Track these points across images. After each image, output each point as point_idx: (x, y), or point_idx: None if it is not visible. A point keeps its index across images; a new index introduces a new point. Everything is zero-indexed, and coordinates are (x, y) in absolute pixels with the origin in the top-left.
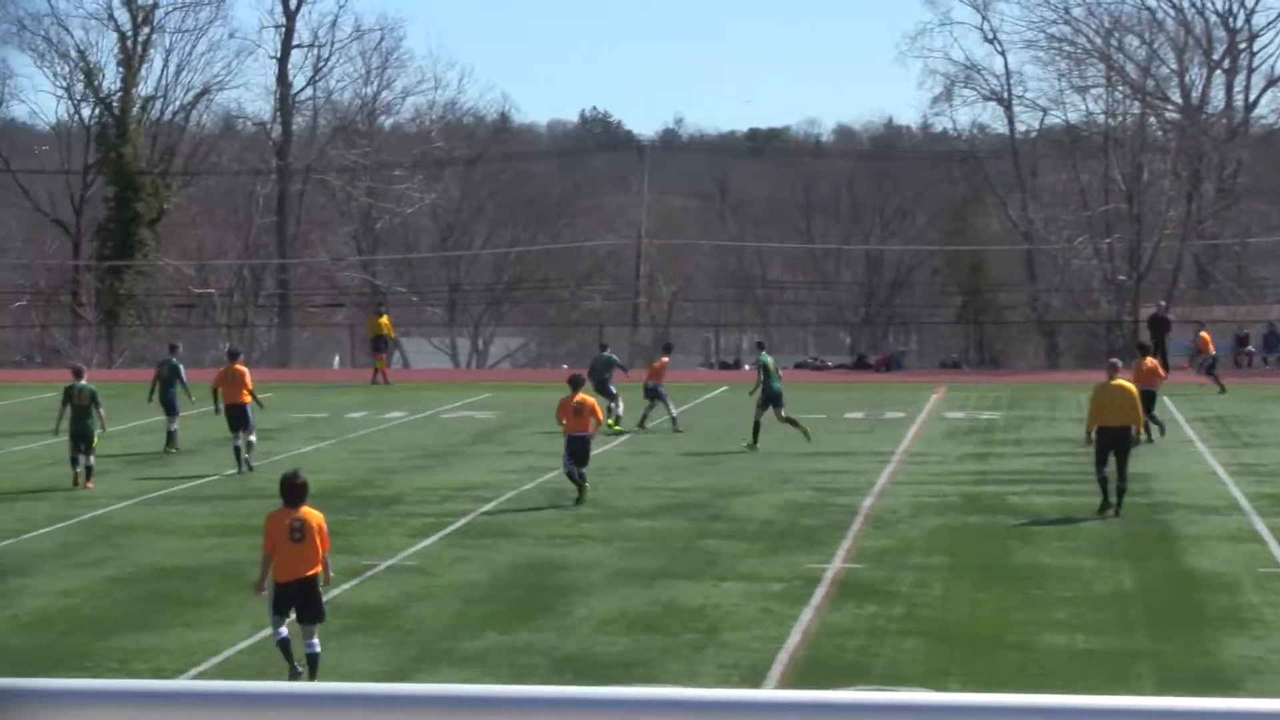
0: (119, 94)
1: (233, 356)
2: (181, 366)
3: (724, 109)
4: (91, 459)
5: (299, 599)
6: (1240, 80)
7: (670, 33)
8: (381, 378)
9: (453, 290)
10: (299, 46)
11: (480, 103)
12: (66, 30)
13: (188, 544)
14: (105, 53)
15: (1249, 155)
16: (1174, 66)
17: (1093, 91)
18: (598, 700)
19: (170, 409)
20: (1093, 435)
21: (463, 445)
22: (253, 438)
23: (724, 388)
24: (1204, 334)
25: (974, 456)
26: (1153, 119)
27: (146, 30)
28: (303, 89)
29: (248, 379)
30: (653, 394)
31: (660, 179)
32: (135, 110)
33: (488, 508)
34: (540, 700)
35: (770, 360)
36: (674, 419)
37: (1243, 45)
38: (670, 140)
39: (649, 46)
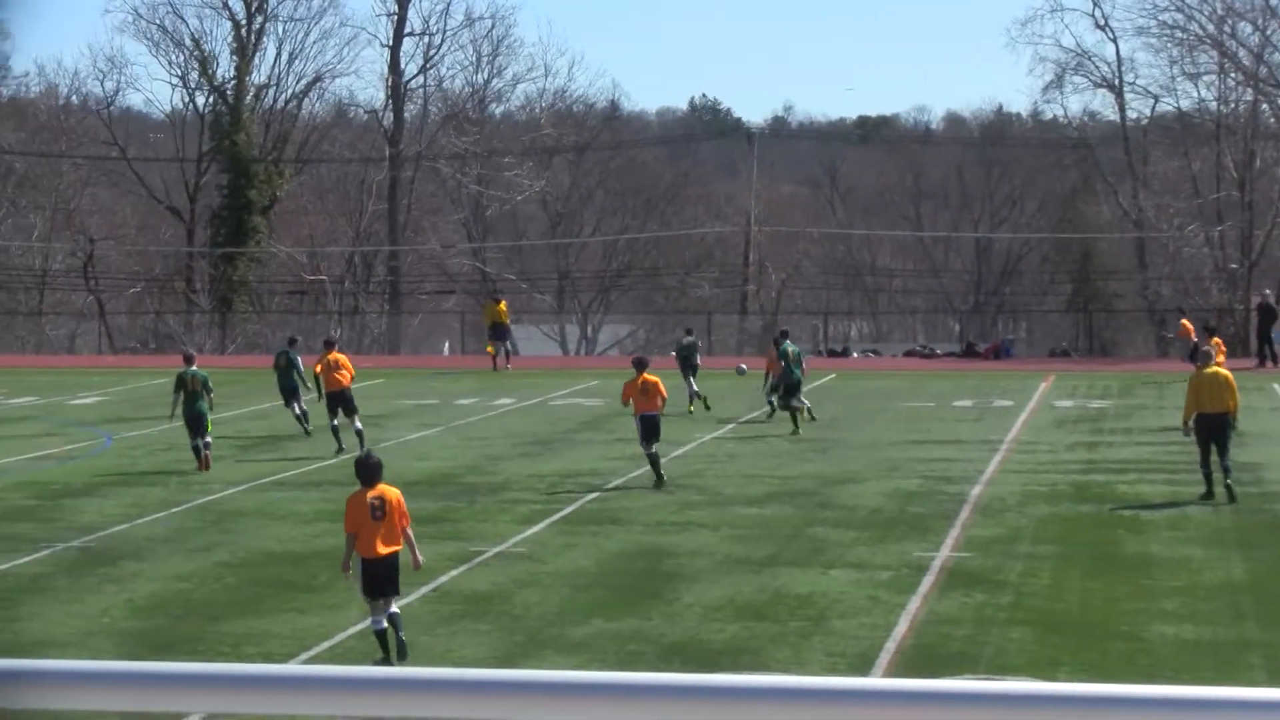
0: (233, 82)
1: (329, 345)
2: (299, 359)
3: (833, 96)
4: (208, 440)
5: (385, 574)
6: None
7: (780, 19)
8: (504, 363)
9: (562, 277)
10: (411, 34)
11: (590, 90)
12: (182, 19)
13: (298, 529)
14: (219, 41)
15: None
16: None
17: (1205, 78)
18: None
19: (291, 395)
20: (1191, 424)
21: (571, 432)
22: (359, 424)
23: (832, 375)
24: (1185, 321)
25: (1083, 445)
26: (1265, 106)
27: (260, 18)
28: (414, 77)
29: (348, 365)
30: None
31: (769, 166)
32: (249, 98)
33: (595, 494)
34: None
35: (792, 349)
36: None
37: None
38: (779, 127)
39: (759, 33)
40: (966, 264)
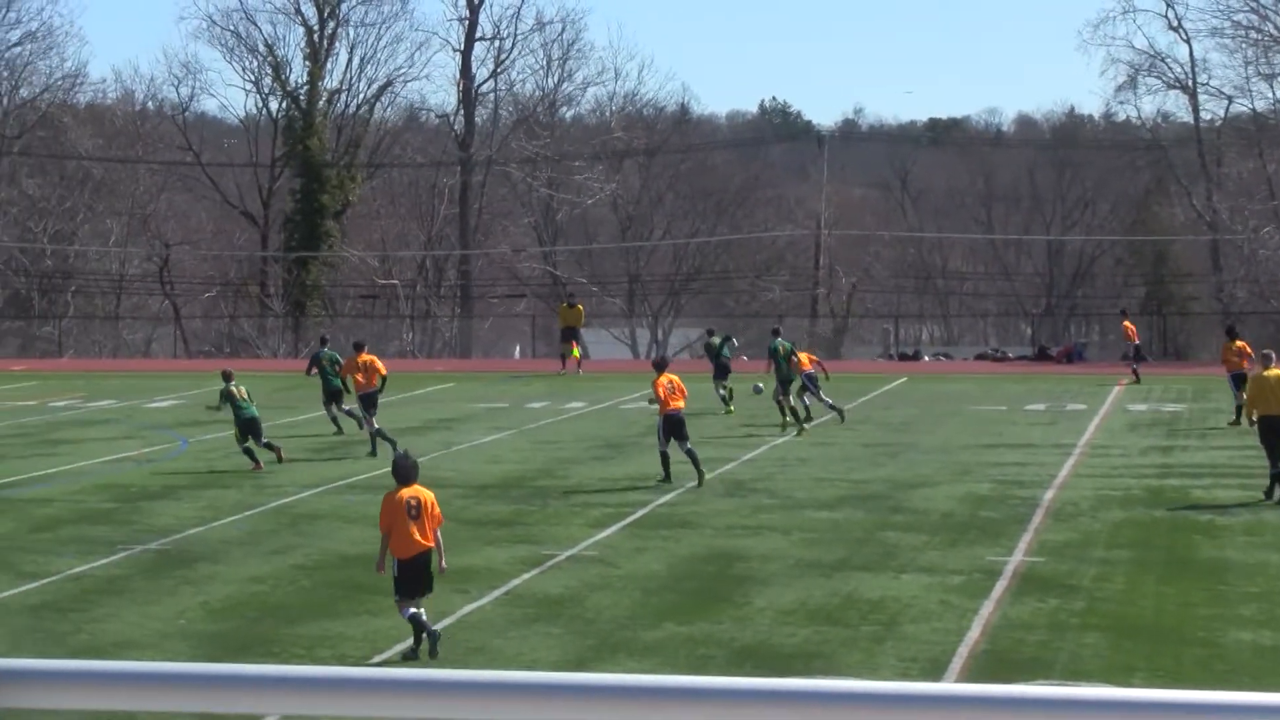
0: (305, 87)
1: (358, 348)
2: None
3: (903, 98)
4: (264, 442)
5: (419, 573)
6: None
7: (850, 22)
8: (574, 367)
9: (632, 281)
10: (482, 39)
11: (660, 94)
12: (255, 25)
13: (370, 532)
14: (292, 47)
15: None
16: None
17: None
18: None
19: (337, 397)
20: (1254, 420)
21: (642, 436)
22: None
23: (903, 379)
24: (1127, 323)
25: (1157, 449)
26: None
27: (332, 24)
28: (485, 81)
29: (380, 366)
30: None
31: (839, 169)
32: (321, 103)
33: (667, 498)
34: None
35: (780, 346)
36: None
37: None
38: (850, 130)
39: (829, 36)
40: (1038, 267)
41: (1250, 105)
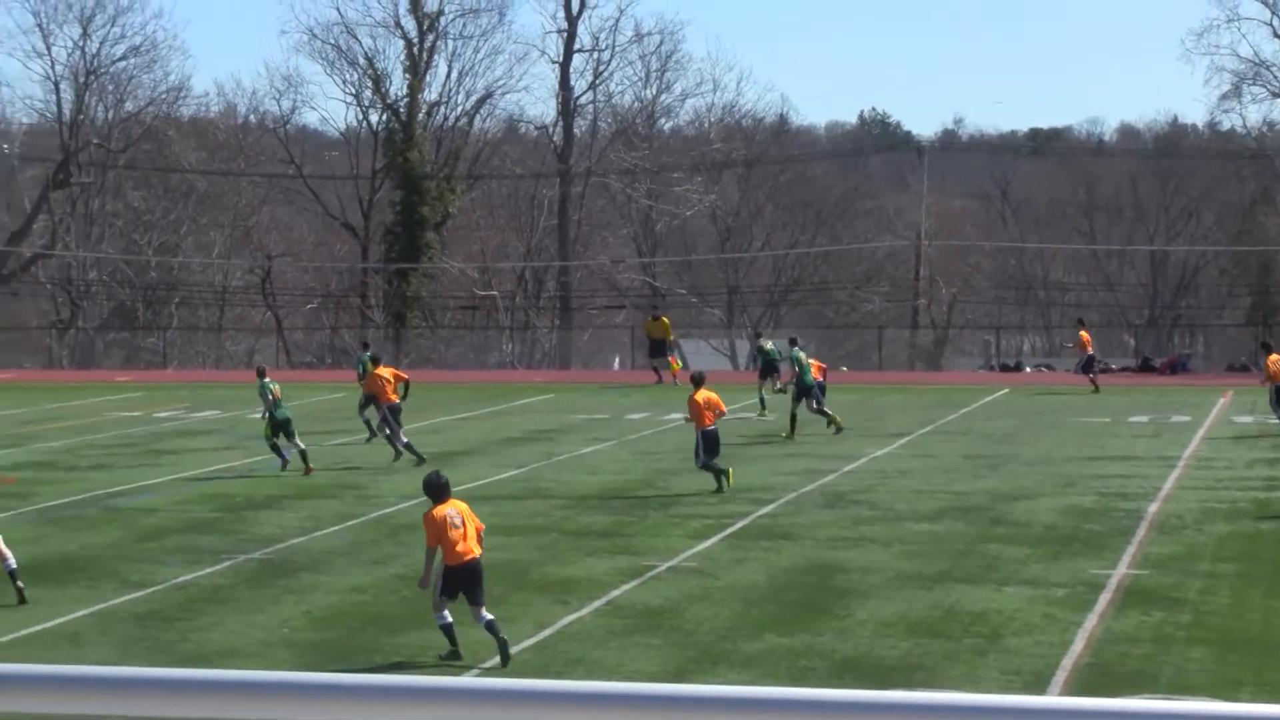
0: (405, 100)
1: (376, 361)
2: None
3: (1004, 108)
4: (300, 444)
5: (468, 581)
6: None
7: (950, 32)
8: (670, 378)
9: (731, 292)
10: (580, 51)
11: (759, 104)
12: (355, 38)
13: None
14: (392, 60)
15: None
16: None
17: None
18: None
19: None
20: None
21: (741, 447)
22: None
23: (1005, 390)
24: (1083, 333)
25: (1264, 462)
26: None
27: (432, 37)
28: (584, 93)
29: (401, 375)
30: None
31: (939, 179)
32: (421, 115)
33: (767, 510)
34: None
35: (802, 355)
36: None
37: None
38: (950, 140)
39: (928, 46)
40: (1141, 277)
41: None
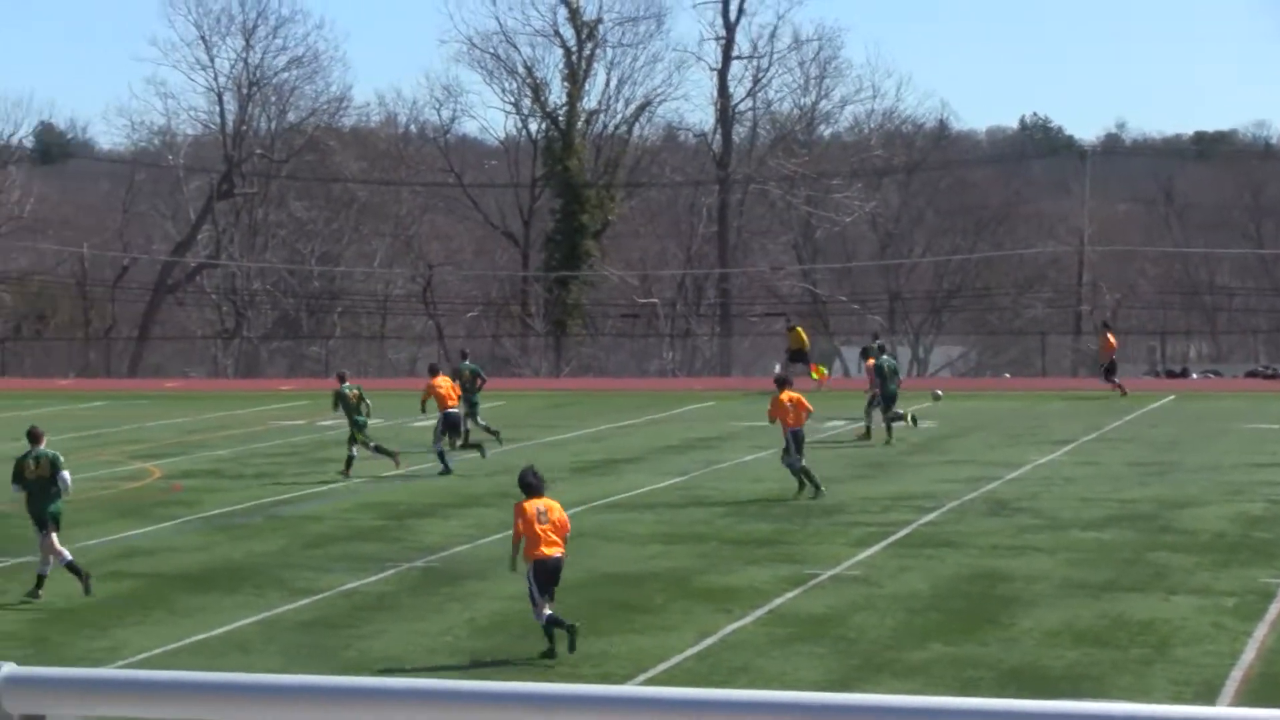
0: (564, 108)
1: (433, 371)
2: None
3: (1168, 112)
4: (354, 450)
5: (554, 574)
6: None
7: (1112, 35)
8: (815, 385)
9: (892, 299)
10: (739, 58)
11: (918, 110)
12: (515, 48)
13: (633, 550)
14: (551, 68)
15: None
16: None
17: None
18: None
19: (474, 411)
20: None
21: (904, 455)
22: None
23: (1171, 396)
24: (1109, 335)
25: None
26: None
27: (590, 45)
28: (742, 100)
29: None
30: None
31: (1102, 184)
32: (580, 123)
33: (930, 517)
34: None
35: (889, 363)
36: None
37: None
38: (1113, 145)
39: (1090, 50)
40: None
41: None
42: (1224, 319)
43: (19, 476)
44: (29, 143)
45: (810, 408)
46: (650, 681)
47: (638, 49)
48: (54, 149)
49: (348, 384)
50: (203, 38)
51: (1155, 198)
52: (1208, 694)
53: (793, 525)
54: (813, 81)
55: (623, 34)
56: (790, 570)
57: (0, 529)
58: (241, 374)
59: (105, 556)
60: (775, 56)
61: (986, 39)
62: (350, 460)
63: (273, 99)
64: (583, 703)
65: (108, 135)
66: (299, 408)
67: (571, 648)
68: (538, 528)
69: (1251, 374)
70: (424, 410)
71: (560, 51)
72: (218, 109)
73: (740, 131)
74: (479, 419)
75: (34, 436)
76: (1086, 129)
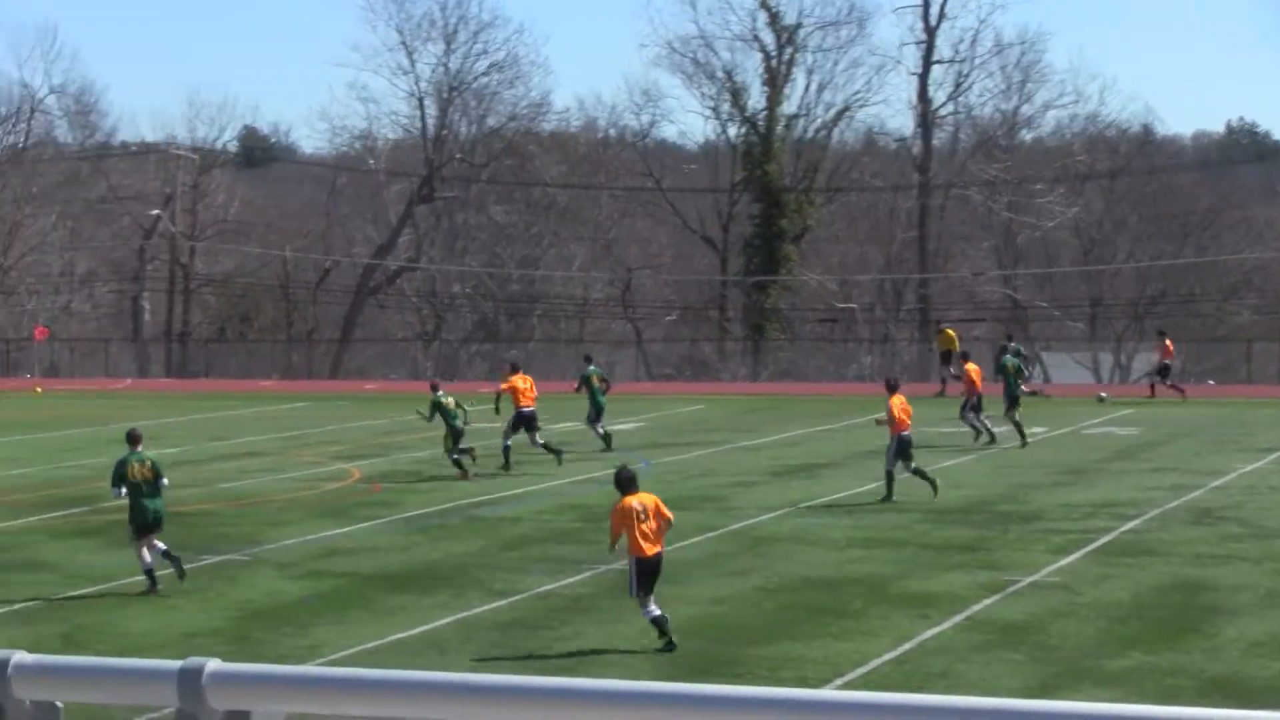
0: (763, 113)
1: (515, 368)
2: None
3: None
4: (455, 454)
5: (653, 571)
6: None
7: None
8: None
9: (1094, 304)
10: (939, 62)
11: (1122, 115)
12: (714, 52)
13: (831, 555)
14: (750, 73)
15: None
16: None
17: None
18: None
19: (599, 414)
20: None
21: (1105, 461)
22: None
23: None
24: (1168, 342)
25: None
26: None
27: (790, 50)
28: (943, 104)
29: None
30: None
31: None
32: (779, 128)
33: (1131, 525)
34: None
35: (1013, 363)
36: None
37: None
38: None
39: None
40: None
41: None
42: None
43: (122, 479)
44: (233, 147)
45: (911, 412)
46: (847, 686)
47: (838, 53)
48: (257, 153)
49: (442, 392)
50: (404, 43)
51: None
52: None
53: (992, 531)
54: (1015, 86)
55: (823, 38)
56: (989, 576)
57: (204, 527)
58: (441, 376)
59: (306, 556)
60: (977, 61)
61: (1192, 44)
62: (459, 462)
63: (473, 104)
64: (778, 706)
65: (310, 139)
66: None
67: (668, 647)
68: (638, 526)
69: None
70: (498, 411)
71: (760, 56)
72: (418, 113)
73: (941, 136)
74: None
75: (134, 439)
76: None
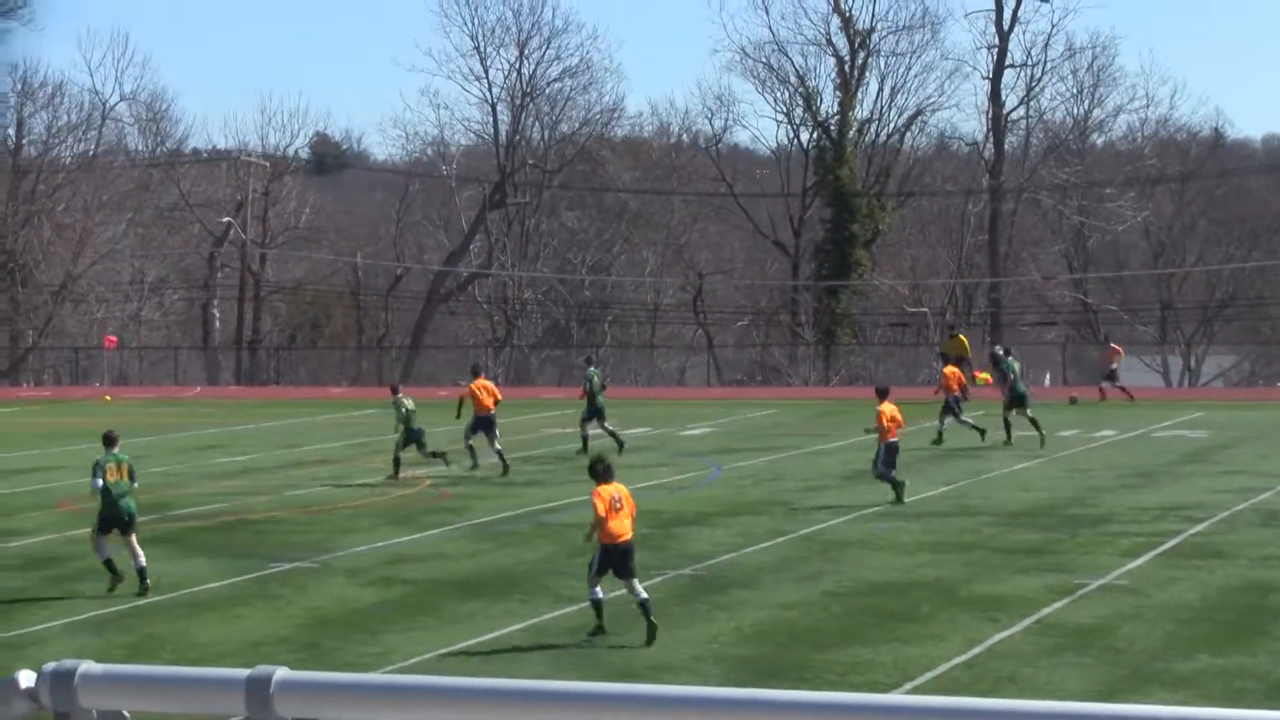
0: (836, 117)
1: (475, 372)
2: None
3: None
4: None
5: (621, 559)
6: None
7: None
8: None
9: (1164, 308)
10: (1011, 66)
11: (1193, 118)
12: (787, 57)
13: (900, 560)
14: (823, 78)
15: None
16: None
17: None
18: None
19: (599, 415)
20: None
21: (1174, 464)
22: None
23: None
24: (1115, 346)
25: None
26: None
27: (863, 54)
28: (1015, 108)
29: (494, 391)
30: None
31: None
32: (851, 133)
33: (1200, 528)
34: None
35: (1016, 365)
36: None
37: None
38: None
39: None
40: None
41: None
42: None
43: (101, 475)
44: (304, 154)
45: (902, 421)
46: (916, 691)
47: (911, 58)
48: (329, 159)
49: (402, 394)
50: (477, 48)
51: None
52: None
53: (1060, 535)
54: (1086, 90)
55: (896, 42)
56: (1058, 580)
57: (273, 534)
58: (512, 382)
59: (376, 562)
60: (1049, 65)
61: (1264, 48)
62: (399, 461)
63: (546, 109)
64: (846, 711)
65: (382, 146)
66: (568, 416)
67: (650, 632)
68: (610, 514)
69: None
70: (459, 415)
71: (833, 60)
72: (491, 119)
73: (1012, 140)
74: (605, 424)
75: (109, 440)
76: None
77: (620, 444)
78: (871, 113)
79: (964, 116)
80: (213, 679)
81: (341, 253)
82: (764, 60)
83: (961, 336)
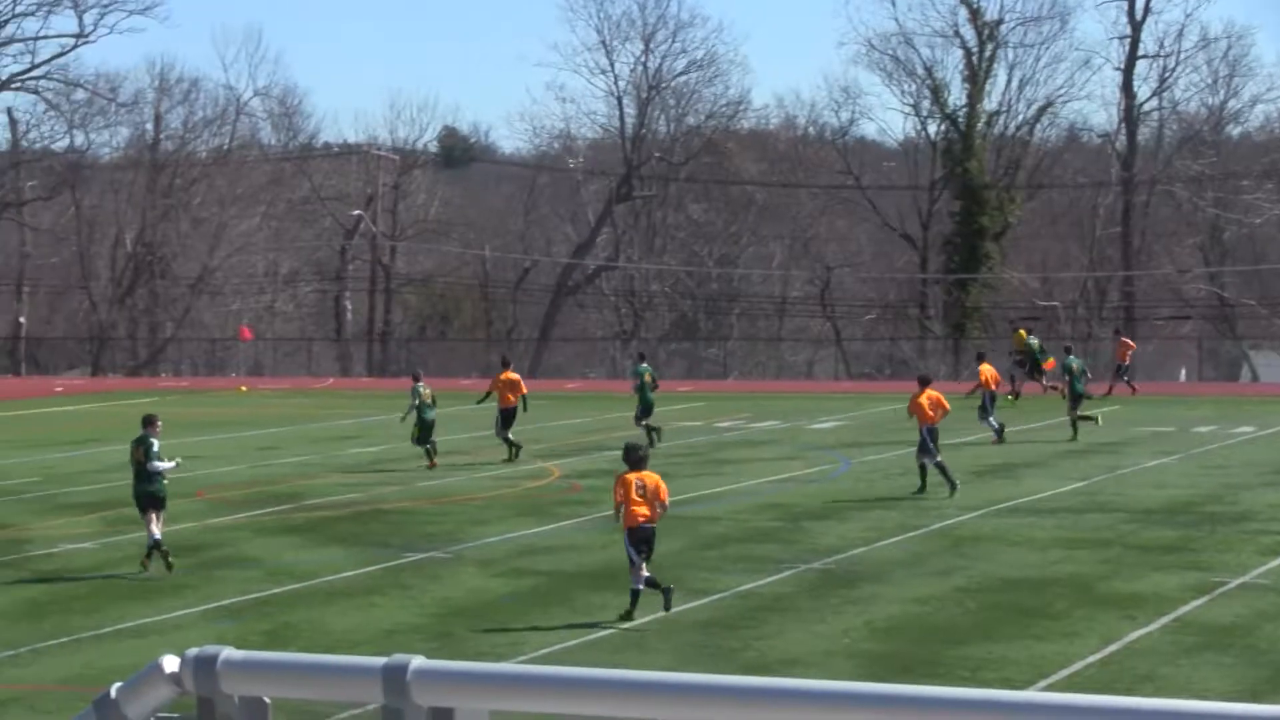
0: (964, 109)
1: (505, 364)
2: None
3: None
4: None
5: (645, 539)
6: None
7: None
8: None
9: None
10: (1144, 57)
11: None
12: (914, 49)
13: (1034, 555)
14: (951, 70)
15: None
16: None
17: None
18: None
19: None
20: None
21: None
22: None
23: None
24: (1125, 340)
25: None
26: None
27: (991, 46)
28: (1147, 99)
29: (520, 384)
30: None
31: None
32: (980, 125)
33: None
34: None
35: (1075, 364)
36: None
37: None
38: None
39: None
40: None
41: None
42: None
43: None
44: (433, 147)
45: (948, 407)
46: (1051, 688)
47: (1040, 49)
48: (457, 153)
49: (422, 384)
50: (603, 42)
51: None
52: None
53: (1199, 532)
54: (1221, 80)
55: (1024, 34)
56: (1197, 578)
57: (406, 525)
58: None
59: (508, 553)
60: (1182, 55)
61: None
62: (429, 452)
63: (672, 102)
64: (980, 707)
65: (509, 139)
66: (696, 409)
67: (666, 607)
68: (635, 500)
69: None
70: (480, 402)
71: (960, 52)
72: (617, 113)
73: (1145, 132)
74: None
75: (145, 422)
76: None
77: (654, 442)
78: (1000, 105)
79: (1095, 108)
80: (351, 667)
81: (470, 245)
82: (891, 52)
83: (1022, 331)
